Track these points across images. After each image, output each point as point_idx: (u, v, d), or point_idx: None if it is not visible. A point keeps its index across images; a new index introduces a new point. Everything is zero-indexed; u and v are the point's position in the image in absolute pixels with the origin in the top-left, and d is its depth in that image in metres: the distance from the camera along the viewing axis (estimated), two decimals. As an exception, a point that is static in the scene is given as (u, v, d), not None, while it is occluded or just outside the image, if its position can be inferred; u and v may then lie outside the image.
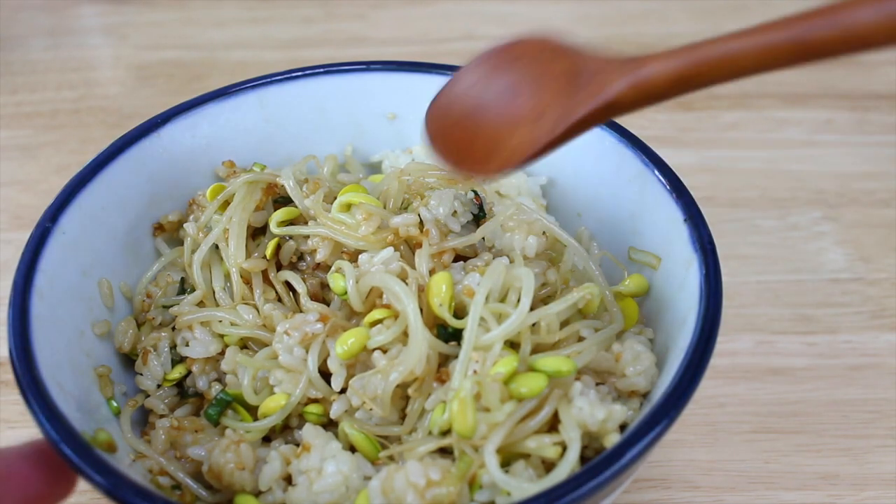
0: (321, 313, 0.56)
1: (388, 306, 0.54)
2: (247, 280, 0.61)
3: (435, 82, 0.67)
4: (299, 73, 0.68)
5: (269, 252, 0.61)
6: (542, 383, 0.50)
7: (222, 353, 0.59)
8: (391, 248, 0.57)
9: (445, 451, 0.52)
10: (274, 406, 0.55)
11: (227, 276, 0.61)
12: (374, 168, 0.72)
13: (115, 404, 0.57)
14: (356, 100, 0.69)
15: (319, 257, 0.59)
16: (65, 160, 0.98)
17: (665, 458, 0.71)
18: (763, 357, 0.78)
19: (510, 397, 0.50)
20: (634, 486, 0.69)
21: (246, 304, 0.60)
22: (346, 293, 0.56)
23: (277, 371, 0.56)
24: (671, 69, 0.45)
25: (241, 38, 1.17)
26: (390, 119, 0.70)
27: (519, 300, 0.53)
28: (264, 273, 0.61)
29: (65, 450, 0.46)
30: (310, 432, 0.53)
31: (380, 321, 0.54)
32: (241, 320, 0.59)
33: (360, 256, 0.57)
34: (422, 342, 0.52)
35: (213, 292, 0.61)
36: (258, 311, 0.60)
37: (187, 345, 0.59)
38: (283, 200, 0.63)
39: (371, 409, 0.53)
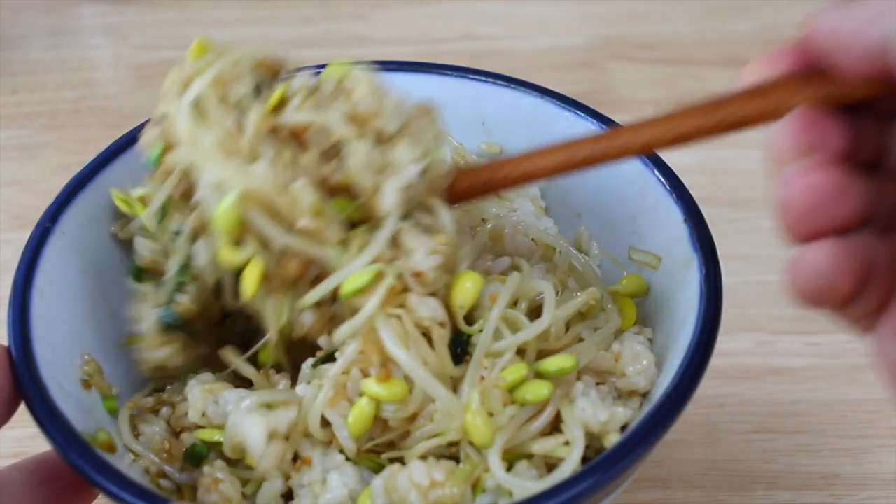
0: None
1: (388, 369, 0.50)
2: None
3: (435, 82, 0.67)
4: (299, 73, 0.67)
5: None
6: (546, 391, 0.50)
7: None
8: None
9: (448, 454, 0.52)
10: None
11: None
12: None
13: (112, 404, 0.57)
14: (356, 100, 0.68)
15: None
16: (65, 160, 0.98)
17: (665, 458, 0.71)
18: (763, 357, 0.78)
19: (513, 402, 0.50)
20: (634, 486, 0.69)
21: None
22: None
23: None
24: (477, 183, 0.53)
25: (241, 38, 1.17)
26: (390, 119, 0.69)
27: (529, 309, 0.53)
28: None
29: (66, 451, 0.47)
30: (308, 444, 0.52)
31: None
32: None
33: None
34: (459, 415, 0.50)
35: None
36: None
37: None
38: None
39: None
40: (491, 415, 0.50)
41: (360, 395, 0.50)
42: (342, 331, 0.50)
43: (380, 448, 0.52)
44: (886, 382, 0.40)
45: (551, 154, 0.50)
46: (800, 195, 0.38)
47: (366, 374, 0.50)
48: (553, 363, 0.51)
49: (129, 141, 0.62)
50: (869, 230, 0.40)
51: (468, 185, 0.53)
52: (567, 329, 0.55)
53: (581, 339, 0.56)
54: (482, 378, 0.50)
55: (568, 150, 0.50)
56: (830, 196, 0.38)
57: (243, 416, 0.50)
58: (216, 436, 0.53)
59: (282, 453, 0.49)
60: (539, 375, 0.51)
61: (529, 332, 0.51)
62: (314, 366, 0.53)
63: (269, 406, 0.51)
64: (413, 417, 0.51)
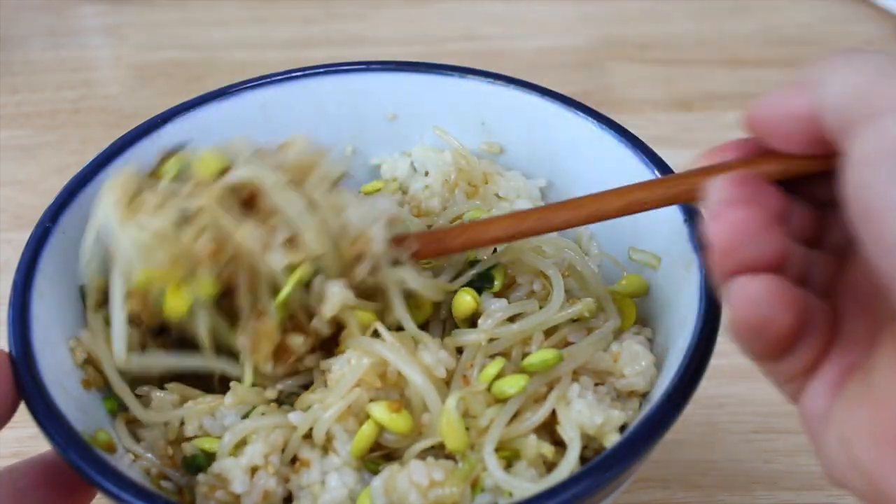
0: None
1: (401, 402, 0.51)
2: None
3: (435, 82, 0.67)
4: (299, 73, 0.67)
5: None
6: (523, 381, 0.50)
7: None
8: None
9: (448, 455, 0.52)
10: None
11: None
12: (373, 171, 0.72)
13: (112, 404, 0.57)
14: (356, 100, 0.69)
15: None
16: (65, 160, 0.98)
17: (665, 458, 0.71)
18: (763, 357, 0.78)
19: (496, 400, 0.51)
20: (634, 486, 0.69)
21: None
22: None
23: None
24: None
25: (241, 38, 1.17)
26: (390, 119, 0.70)
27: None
28: None
29: (66, 451, 0.46)
30: (307, 446, 0.52)
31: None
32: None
33: None
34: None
35: None
36: None
37: None
38: None
39: None
40: (474, 417, 0.50)
41: (367, 416, 0.51)
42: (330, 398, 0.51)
43: (375, 458, 0.52)
44: (812, 445, 0.42)
45: (498, 223, 0.53)
46: (725, 228, 0.39)
47: (372, 397, 0.52)
48: (535, 357, 0.52)
49: (129, 141, 0.62)
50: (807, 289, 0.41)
51: (423, 250, 0.54)
52: (554, 331, 0.55)
53: (569, 342, 0.56)
54: (465, 378, 0.51)
55: (514, 220, 0.52)
56: (755, 230, 0.39)
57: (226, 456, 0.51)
58: (215, 445, 0.52)
59: (265, 486, 0.50)
60: (523, 372, 0.52)
61: (511, 335, 0.53)
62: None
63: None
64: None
